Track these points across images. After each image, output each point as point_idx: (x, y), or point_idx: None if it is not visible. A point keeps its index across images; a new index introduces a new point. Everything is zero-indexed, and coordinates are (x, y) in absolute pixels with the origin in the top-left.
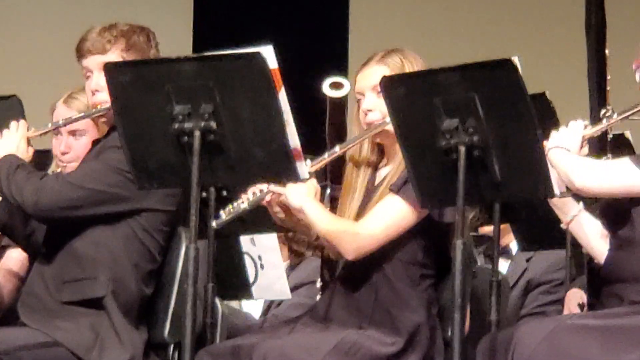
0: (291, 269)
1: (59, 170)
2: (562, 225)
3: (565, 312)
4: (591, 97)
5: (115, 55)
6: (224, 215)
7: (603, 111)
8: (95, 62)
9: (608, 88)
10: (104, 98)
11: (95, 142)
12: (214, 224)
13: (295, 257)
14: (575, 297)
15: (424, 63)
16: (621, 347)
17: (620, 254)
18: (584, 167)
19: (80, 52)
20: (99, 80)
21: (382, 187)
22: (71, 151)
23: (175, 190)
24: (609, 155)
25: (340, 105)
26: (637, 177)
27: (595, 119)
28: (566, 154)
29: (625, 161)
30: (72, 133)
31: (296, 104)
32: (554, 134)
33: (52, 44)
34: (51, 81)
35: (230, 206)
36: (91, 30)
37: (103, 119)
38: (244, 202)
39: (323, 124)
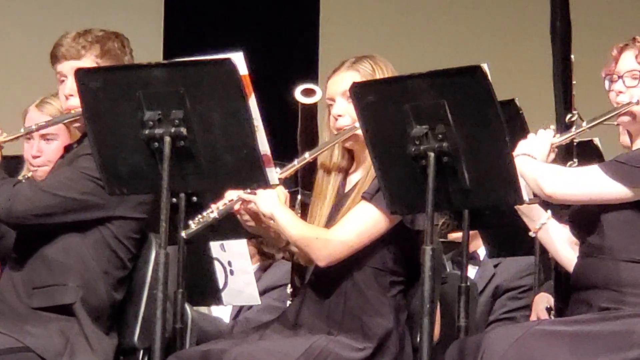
0: (262, 271)
1: (29, 174)
2: (531, 233)
3: (533, 316)
4: (557, 103)
5: (90, 60)
6: (193, 225)
7: (569, 116)
8: (69, 67)
9: (574, 93)
10: (78, 103)
11: (67, 148)
12: (183, 234)
13: (266, 260)
14: (543, 301)
15: (394, 70)
16: (590, 354)
17: (589, 261)
18: (553, 174)
19: (55, 57)
20: (73, 85)
21: (354, 193)
22: (42, 155)
23: (147, 197)
24: (575, 161)
25: (311, 112)
26: (606, 184)
27: (561, 124)
28: (533, 161)
29: (594, 168)
30: (44, 137)
31: (266, 110)
32: (521, 142)
33: (24, 49)
34: (22, 86)
35: (199, 216)
36: (66, 36)
37: (76, 124)
38: (213, 211)
39: (293, 130)
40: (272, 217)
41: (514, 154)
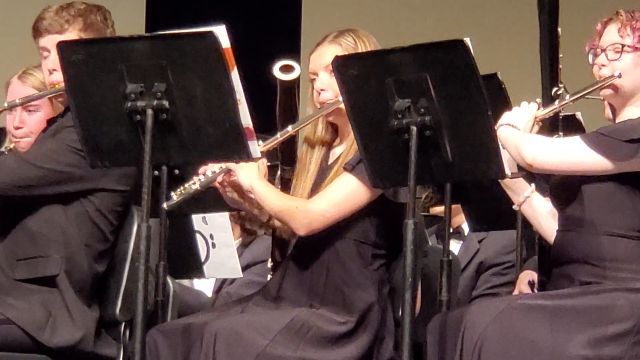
0: (244, 247)
1: (12, 145)
2: (515, 207)
3: (516, 291)
4: (543, 76)
5: (73, 34)
6: (175, 196)
7: (555, 89)
8: (52, 42)
9: (560, 66)
10: (61, 77)
11: (49, 121)
12: (164, 205)
13: (248, 236)
14: (527, 276)
15: (377, 43)
16: (571, 328)
17: (569, 235)
18: (534, 142)
19: (37, 31)
20: (56, 59)
21: (337, 166)
22: (24, 126)
23: (131, 170)
24: (561, 134)
25: (291, 88)
26: (587, 155)
27: (547, 97)
28: (516, 130)
29: (576, 139)
30: (26, 108)
31: (248, 84)
32: (506, 113)
33: (5, 21)
34: (3, 59)
35: (181, 187)
36: (48, 10)
37: (60, 99)
38: (195, 183)
39: (274, 105)
40: (252, 189)
41: (498, 124)
